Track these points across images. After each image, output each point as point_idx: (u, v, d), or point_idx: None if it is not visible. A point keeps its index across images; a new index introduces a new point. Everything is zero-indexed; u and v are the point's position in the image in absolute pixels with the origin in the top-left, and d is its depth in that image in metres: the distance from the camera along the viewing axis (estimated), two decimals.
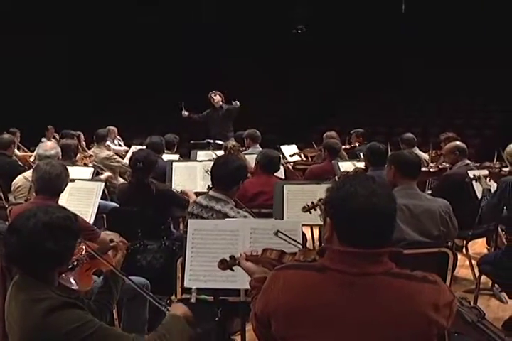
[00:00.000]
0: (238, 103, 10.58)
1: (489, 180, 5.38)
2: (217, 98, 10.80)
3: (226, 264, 2.80)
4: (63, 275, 2.80)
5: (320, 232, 6.07)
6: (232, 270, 2.83)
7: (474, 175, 5.51)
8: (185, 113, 11.13)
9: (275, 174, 6.11)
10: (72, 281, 2.93)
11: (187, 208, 4.45)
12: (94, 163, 7.98)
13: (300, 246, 3.01)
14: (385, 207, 2.04)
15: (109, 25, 17.96)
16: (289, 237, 2.85)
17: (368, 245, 2.01)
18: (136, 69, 18.29)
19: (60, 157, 6.09)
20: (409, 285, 2.01)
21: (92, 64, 17.85)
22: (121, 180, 8.03)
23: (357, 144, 9.61)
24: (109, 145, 10.11)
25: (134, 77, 18.17)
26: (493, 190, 4.99)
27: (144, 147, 7.49)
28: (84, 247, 3.08)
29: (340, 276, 2.01)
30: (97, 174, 6.94)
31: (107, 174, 7.42)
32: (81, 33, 17.72)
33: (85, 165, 7.46)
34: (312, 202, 4.46)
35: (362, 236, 2.02)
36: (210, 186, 4.36)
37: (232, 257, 2.79)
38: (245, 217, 3.97)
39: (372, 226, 2.01)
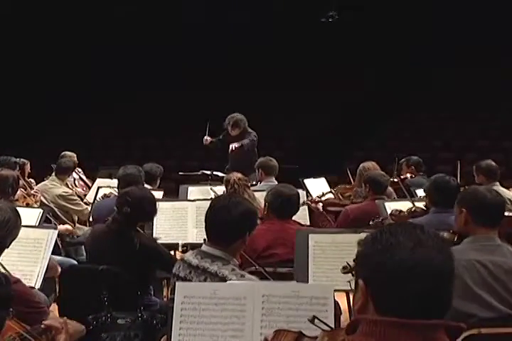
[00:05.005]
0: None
1: None
2: (234, 132, 10.77)
3: None
4: None
5: None
6: None
7: None
8: (207, 139, 10.98)
9: (294, 218, 6.10)
10: None
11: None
12: (44, 201, 7.95)
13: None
14: (437, 261, 2.05)
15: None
16: (329, 326, 2.76)
17: (416, 314, 2.01)
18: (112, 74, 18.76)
19: None
20: None
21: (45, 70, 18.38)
22: (82, 227, 8.01)
23: (408, 176, 9.60)
24: (72, 184, 9.98)
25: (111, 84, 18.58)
26: None
27: (115, 181, 7.49)
28: (14, 326, 3.04)
29: None
30: (47, 219, 6.91)
31: (63, 227, 7.41)
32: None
33: (28, 205, 7.41)
34: (355, 261, 4.40)
35: (407, 302, 2.02)
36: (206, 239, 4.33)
37: None
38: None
39: (421, 287, 2.01)
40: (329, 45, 18.80)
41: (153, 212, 5.56)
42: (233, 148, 10.48)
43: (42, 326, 3.27)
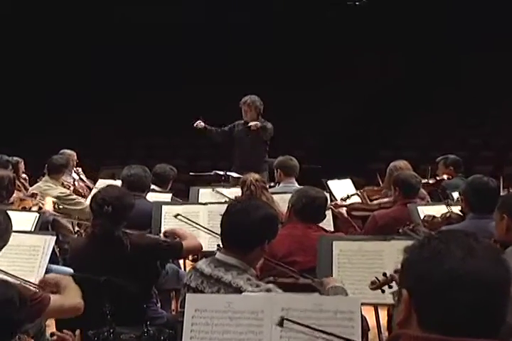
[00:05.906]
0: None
1: None
2: (249, 114, 10.70)
3: None
4: None
5: (390, 316, 5.96)
6: None
7: None
8: (200, 123, 10.89)
9: (319, 224, 6.08)
10: None
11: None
12: (41, 205, 7.95)
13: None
14: (490, 272, 2.03)
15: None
16: None
17: (463, 331, 1.98)
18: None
19: None
20: None
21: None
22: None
23: (445, 177, 9.54)
24: (68, 182, 9.97)
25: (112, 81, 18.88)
26: None
27: (119, 182, 7.47)
28: None
29: None
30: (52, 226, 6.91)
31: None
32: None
33: (24, 209, 7.39)
34: (385, 275, 4.34)
35: (454, 316, 2.00)
36: (220, 245, 4.29)
37: None
38: (268, 290, 3.86)
39: (471, 298, 1.99)
40: (335, 39, 18.99)
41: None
42: (254, 127, 10.33)
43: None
